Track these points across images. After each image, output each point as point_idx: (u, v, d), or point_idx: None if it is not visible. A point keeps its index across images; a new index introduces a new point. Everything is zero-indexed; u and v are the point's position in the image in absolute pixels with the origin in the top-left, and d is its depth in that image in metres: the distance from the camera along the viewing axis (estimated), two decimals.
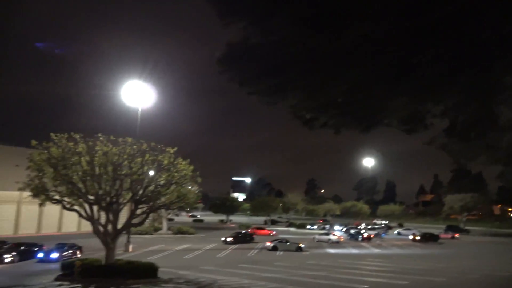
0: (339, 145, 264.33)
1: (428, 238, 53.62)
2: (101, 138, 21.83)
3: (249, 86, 8.52)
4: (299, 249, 39.23)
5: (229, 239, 44.13)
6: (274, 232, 59.50)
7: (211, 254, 35.03)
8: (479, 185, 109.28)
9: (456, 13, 7.22)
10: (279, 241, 40.70)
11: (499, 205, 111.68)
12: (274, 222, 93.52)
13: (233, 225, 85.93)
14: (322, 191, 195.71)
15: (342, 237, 52.62)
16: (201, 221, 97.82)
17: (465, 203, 78.25)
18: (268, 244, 40.03)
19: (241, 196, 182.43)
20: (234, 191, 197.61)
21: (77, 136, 21.56)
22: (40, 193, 20.64)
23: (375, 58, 8.11)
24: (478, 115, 8.94)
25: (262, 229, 61.94)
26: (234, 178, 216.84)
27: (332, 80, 8.55)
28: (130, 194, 22.91)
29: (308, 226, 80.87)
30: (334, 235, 52.70)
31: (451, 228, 64.63)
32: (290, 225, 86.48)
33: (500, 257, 38.82)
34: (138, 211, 23.93)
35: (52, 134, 21.20)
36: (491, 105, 8.81)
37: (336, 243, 48.26)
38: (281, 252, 37.78)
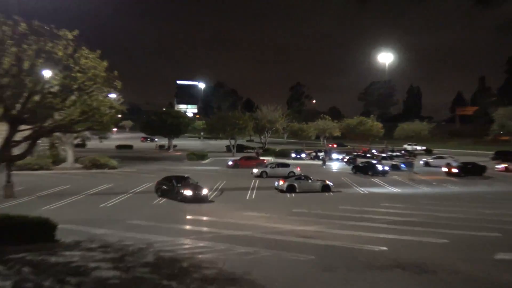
0: (337, 36, 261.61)
1: (469, 170, 54.93)
2: None
3: None
4: (326, 188, 39.61)
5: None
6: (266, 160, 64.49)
7: (143, 200, 34.31)
8: None
9: None
10: (296, 178, 40.80)
11: None
12: (241, 148, 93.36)
13: (179, 152, 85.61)
14: (314, 101, 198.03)
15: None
16: (130, 147, 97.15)
17: None
18: (281, 183, 39.62)
19: (190, 110, 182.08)
20: (180, 102, 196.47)
21: None
22: None
23: None
24: None
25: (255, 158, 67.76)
26: (179, 82, 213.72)
27: None
28: (2, 109, 20.73)
29: (293, 155, 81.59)
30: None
31: (501, 155, 66.55)
32: (265, 152, 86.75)
33: None
34: (18, 136, 21.95)
35: None
36: None
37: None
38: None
